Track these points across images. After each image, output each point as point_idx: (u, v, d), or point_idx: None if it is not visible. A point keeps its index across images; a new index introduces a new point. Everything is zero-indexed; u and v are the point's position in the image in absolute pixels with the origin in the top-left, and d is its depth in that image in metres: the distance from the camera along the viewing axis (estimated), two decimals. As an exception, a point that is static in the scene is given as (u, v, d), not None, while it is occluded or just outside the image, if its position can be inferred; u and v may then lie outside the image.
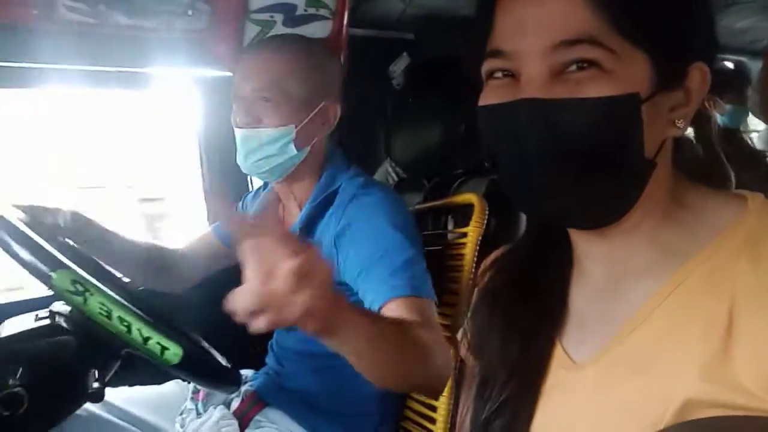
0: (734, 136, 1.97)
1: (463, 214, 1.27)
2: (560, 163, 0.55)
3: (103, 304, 0.86)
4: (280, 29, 1.50)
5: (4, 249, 0.92)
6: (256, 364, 1.42)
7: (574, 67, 0.54)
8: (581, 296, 0.66)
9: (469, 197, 1.25)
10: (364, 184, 1.21)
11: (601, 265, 0.64)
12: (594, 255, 0.64)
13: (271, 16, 1.48)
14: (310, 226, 1.23)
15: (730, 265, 0.53)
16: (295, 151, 1.19)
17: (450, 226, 1.36)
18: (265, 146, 1.18)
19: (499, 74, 0.59)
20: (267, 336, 1.43)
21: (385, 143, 1.66)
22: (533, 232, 0.74)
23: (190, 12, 1.42)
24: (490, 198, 1.25)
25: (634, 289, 0.59)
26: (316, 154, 1.26)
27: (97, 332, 0.91)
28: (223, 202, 1.13)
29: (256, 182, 1.73)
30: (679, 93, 0.57)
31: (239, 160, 1.24)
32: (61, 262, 0.90)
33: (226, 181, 1.68)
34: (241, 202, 1.52)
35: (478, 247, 1.18)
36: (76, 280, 0.87)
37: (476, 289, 0.77)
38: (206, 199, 1.73)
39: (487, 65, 0.59)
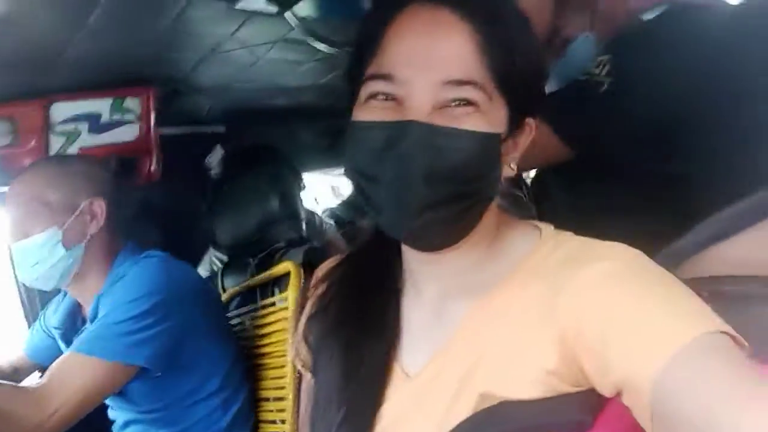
0: (517, 181, 2.29)
1: (287, 282, 1.37)
2: (435, 183, 0.58)
3: None
4: (86, 138, 1.54)
5: None
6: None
7: (454, 103, 0.59)
8: (414, 313, 0.71)
9: (285, 266, 1.37)
10: (141, 259, 1.30)
11: (433, 286, 0.69)
12: (427, 277, 0.70)
13: (76, 127, 1.53)
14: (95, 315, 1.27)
15: (528, 286, 0.62)
16: (64, 251, 1.26)
17: (276, 294, 1.45)
18: (35, 252, 1.25)
19: (381, 96, 0.62)
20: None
21: (209, 231, 1.73)
22: (365, 251, 0.77)
23: (-11, 130, 1.43)
24: (308, 264, 1.36)
25: (454, 307, 0.67)
26: (97, 250, 1.32)
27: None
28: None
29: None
30: (512, 141, 0.65)
31: (19, 275, 1.31)
32: None
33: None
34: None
35: (300, 307, 1.28)
36: None
37: (308, 303, 0.80)
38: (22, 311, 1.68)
39: (371, 86, 0.62)
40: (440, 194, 0.60)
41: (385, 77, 0.61)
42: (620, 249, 0.60)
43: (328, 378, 0.71)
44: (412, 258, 0.71)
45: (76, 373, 1.11)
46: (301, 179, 1.86)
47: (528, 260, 0.65)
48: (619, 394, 0.55)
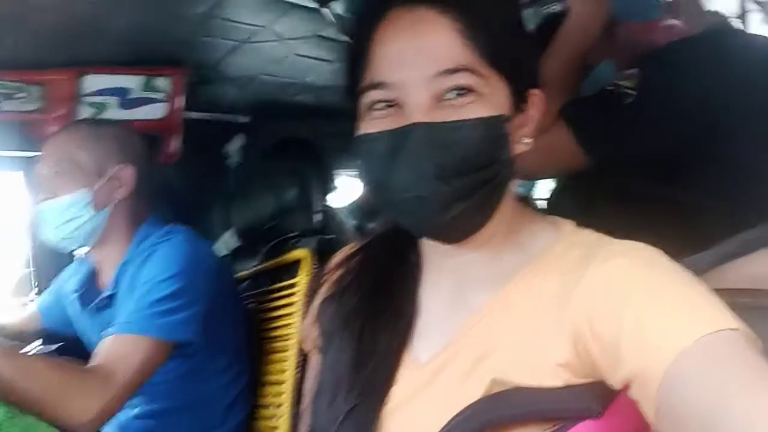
0: (527, 201, 2.31)
1: (297, 269, 1.39)
2: (448, 179, 0.59)
3: None
4: (115, 111, 1.58)
5: None
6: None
7: (452, 94, 0.60)
8: (430, 303, 0.71)
9: (297, 253, 1.38)
10: (166, 233, 1.30)
11: (451, 277, 0.69)
12: (446, 268, 0.70)
13: (105, 100, 1.56)
14: (119, 283, 1.29)
15: (545, 279, 0.63)
16: (93, 212, 1.27)
17: (285, 280, 1.46)
18: (64, 212, 1.26)
19: (380, 105, 0.62)
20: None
21: (225, 216, 1.75)
22: (383, 240, 0.77)
23: (20, 94, 1.46)
24: (321, 253, 1.38)
25: (471, 298, 0.67)
26: (122, 217, 1.33)
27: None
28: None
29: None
30: (521, 116, 0.66)
31: (45, 234, 1.30)
32: None
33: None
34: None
35: (310, 293, 1.29)
36: None
37: (324, 286, 0.79)
38: (34, 275, 1.70)
39: (368, 97, 0.62)
40: (456, 188, 0.60)
41: (379, 85, 0.61)
42: (638, 246, 0.61)
43: (339, 361, 0.71)
44: (431, 250, 0.72)
45: (132, 352, 1.11)
46: (332, 176, 1.87)
47: (547, 254, 0.65)
48: (627, 387, 0.55)
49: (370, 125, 0.63)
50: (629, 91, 1.00)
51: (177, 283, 1.19)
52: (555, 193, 1.30)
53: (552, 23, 1.15)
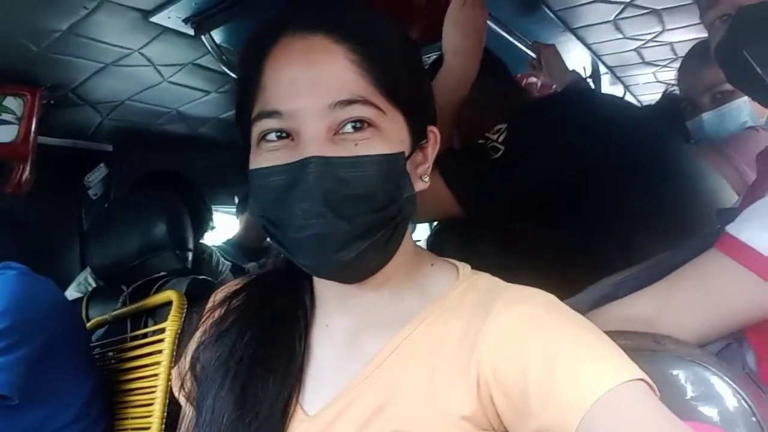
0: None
1: (165, 313, 1.28)
2: (347, 217, 0.57)
3: None
4: (-48, 133, 1.40)
5: None
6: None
7: (349, 127, 0.57)
8: (322, 348, 0.67)
9: (167, 295, 1.27)
10: None
11: (347, 320, 0.66)
12: (342, 310, 0.67)
13: (-57, 119, 1.38)
14: None
15: (444, 325, 0.61)
16: None
17: (150, 325, 1.34)
18: None
19: (272, 135, 0.59)
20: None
21: (82, 252, 1.59)
22: (272, 278, 0.73)
23: None
24: (193, 295, 1.28)
25: (366, 344, 0.63)
26: None
27: None
28: None
29: None
30: (420, 153, 0.65)
31: None
32: None
33: None
34: None
35: (177, 340, 1.19)
36: None
37: (200, 329, 0.72)
38: None
39: (260, 126, 0.59)
40: (356, 226, 0.57)
41: (272, 114, 0.58)
42: (537, 292, 0.61)
43: (219, 414, 0.64)
44: (326, 290, 0.68)
45: None
46: (209, 213, 1.77)
47: (444, 298, 0.64)
48: None
49: (263, 158, 0.59)
50: (498, 145, 1.04)
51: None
52: (435, 234, 1.32)
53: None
